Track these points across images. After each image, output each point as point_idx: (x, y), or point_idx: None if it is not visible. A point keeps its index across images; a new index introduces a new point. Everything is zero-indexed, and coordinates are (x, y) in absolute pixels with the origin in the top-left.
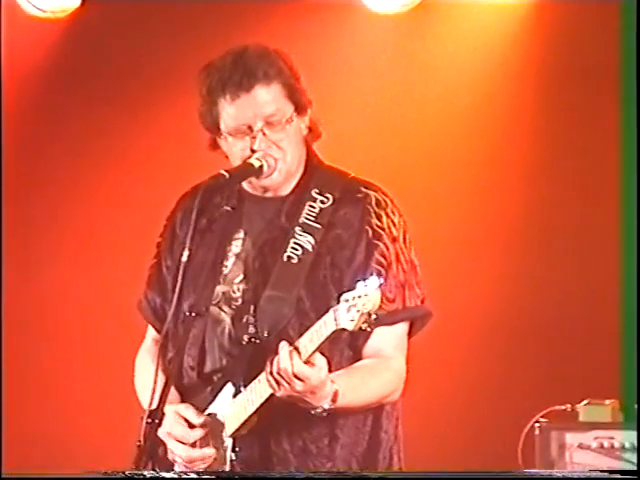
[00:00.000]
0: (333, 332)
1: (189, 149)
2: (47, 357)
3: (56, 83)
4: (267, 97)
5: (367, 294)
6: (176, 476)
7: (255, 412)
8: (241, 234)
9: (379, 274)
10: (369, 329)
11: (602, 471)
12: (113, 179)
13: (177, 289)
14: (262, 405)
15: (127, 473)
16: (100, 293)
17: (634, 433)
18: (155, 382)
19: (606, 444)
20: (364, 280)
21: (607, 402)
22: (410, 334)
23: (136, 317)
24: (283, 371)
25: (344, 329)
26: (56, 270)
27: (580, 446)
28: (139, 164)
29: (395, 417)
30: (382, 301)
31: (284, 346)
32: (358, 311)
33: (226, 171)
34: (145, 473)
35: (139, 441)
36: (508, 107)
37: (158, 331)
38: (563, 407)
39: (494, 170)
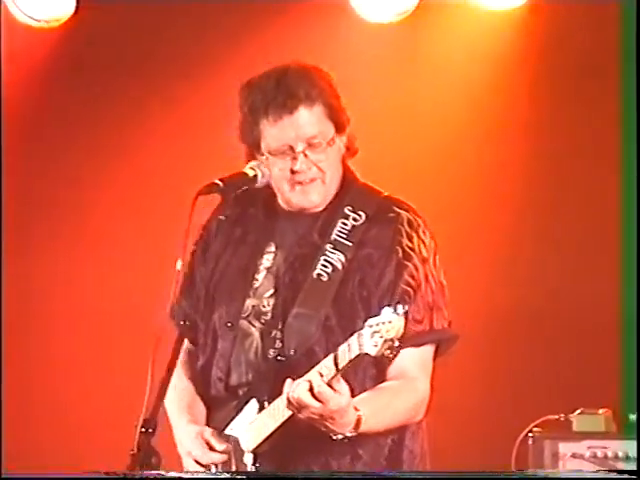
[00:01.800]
0: (356, 357)
1: (187, 148)
2: (47, 357)
3: (53, 87)
4: (309, 119)
5: (391, 321)
6: (181, 475)
7: (277, 429)
8: (272, 248)
9: (408, 295)
10: (391, 356)
11: (603, 471)
12: (110, 181)
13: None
14: (284, 423)
15: (127, 473)
16: (100, 292)
17: (627, 443)
18: (150, 391)
19: (599, 454)
20: (390, 305)
21: (600, 412)
22: (435, 356)
23: (138, 316)
24: (303, 391)
25: (367, 354)
26: (55, 267)
27: (573, 455)
28: (137, 165)
29: (421, 437)
30: (409, 322)
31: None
32: (381, 337)
33: (220, 180)
34: (146, 473)
35: (132, 450)
36: (503, 113)
37: (189, 339)
38: (556, 416)
39: (492, 173)
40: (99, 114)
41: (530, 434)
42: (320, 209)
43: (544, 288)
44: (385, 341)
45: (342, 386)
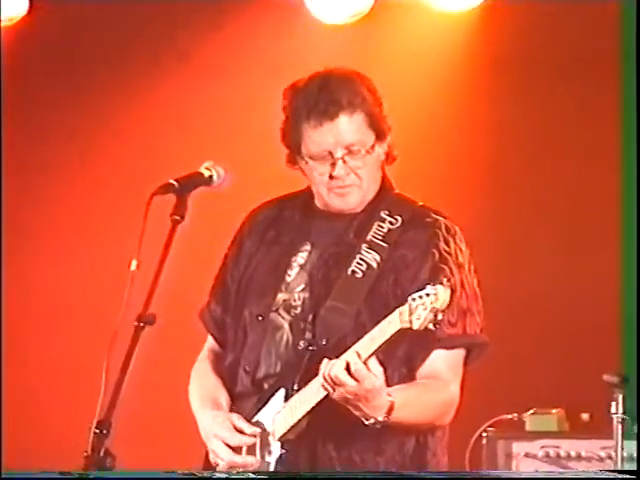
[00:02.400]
0: (398, 331)
1: (151, 148)
2: (47, 356)
3: (4, 87)
4: (350, 126)
5: (437, 292)
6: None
7: (304, 416)
8: (308, 246)
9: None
10: (434, 328)
11: (602, 471)
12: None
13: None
14: (312, 409)
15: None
16: (100, 291)
17: (580, 442)
18: (105, 392)
19: (552, 453)
20: (432, 284)
21: (553, 411)
22: (465, 363)
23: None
24: (340, 370)
25: (410, 328)
26: (55, 264)
27: (527, 455)
28: (99, 168)
29: (445, 442)
30: (443, 324)
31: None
32: (425, 309)
33: (175, 180)
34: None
35: (86, 451)
36: (465, 112)
37: (217, 341)
38: (509, 416)
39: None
40: (53, 115)
41: (484, 434)
42: (358, 211)
43: (499, 287)
44: (429, 312)
45: (377, 367)
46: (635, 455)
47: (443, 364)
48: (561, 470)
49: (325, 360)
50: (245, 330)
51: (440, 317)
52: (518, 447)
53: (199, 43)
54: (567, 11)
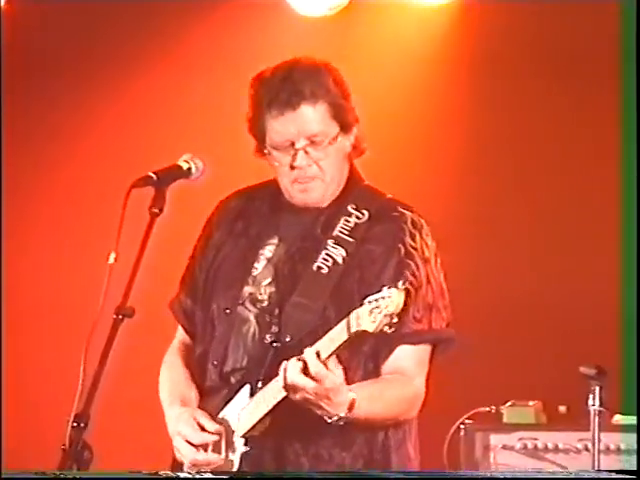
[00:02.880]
0: (354, 333)
1: (144, 132)
2: (47, 356)
3: None
4: (312, 117)
5: (391, 295)
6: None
7: (268, 414)
8: (275, 240)
9: (408, 292)
10: (390, 331)
11: (602, 471)
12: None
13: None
14: (275, 407)
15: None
16: (99, 289)
17: (557, 434)
18: (82, 385)
19: (530, 445)
20: (389, 286)
21: (530, 403)
22: (432, 358)
23: (141, 312)
24: (295, 375)
25: (365, 331)
26: (55, 262)
27: (504, 447)
28: (79, 159)
29: (414, 437)
30: (408, 320)
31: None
32: (380, 312)
33: (154, 173)
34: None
35: (64, 445)
36: (441, 108)
37: (187, 332)
38: (487, 408)
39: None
40: (37, 109)
41: (462, 426)
42: (324, 205)
43: (476, 289)
44: (385, 316)
45: (336, 366)
46: (613, 447)
47: (409, 359)
48: (538, 463)
49: (284, 363)
50: (213, 323)
51: (395, 320)
52: (496, 439)
53: (181, 35)
54: (567, 10)
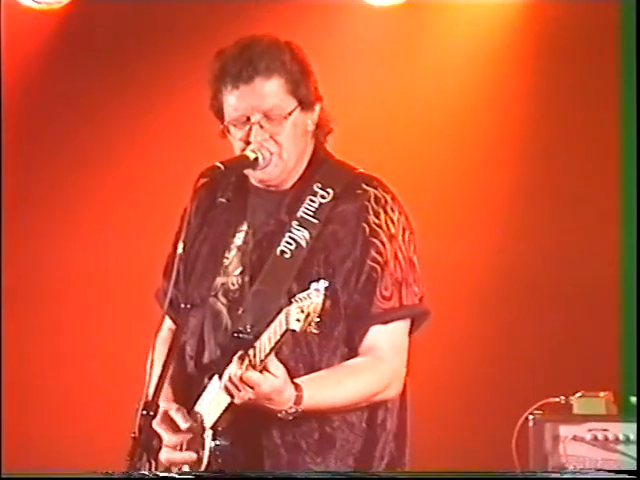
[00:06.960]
0: (285, 332)
1: (189, 138)
2: (47, 356)
3: (54, 70)
4: (266, 90)
5: (310, 296)
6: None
7: (229, 406)
8: (245, 226)
9: (375, 272)
10: (314, 331)
11: (601, 470)
12: (115, 166)
13: (173, 277)
14: (232, 403)
15: (128, 473)
16: (100, 289)
17: (628, 425)
18: (150, 375)
19: (600, 436)
20: (317, 281)
21: (601, 394)
22: (411, 332)
23: (139, 311)
24: (234, 377)
25: (293, 330)
26: (55, 260)
27: (574, 438)
28: (140, 150)
29: (398, 416)
30: (377, 299)
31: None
32: (302, 312)
33: (221, 163)
34: (146, 473)
35: (134, 433)
36: (503, 104)
37: (174, 321)
38: (557, 399)
39: (487, 153)
40: (101, 98)
41: (531, 417)
42: (288, 186)
43: (545, 269)
44: (307, 316)
45: (276, 367)
46: None
47: (382, 339)
48: (608, 454)
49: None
50: (184, 313)
51: (317, 321)
52: (565, 430)
53: (234, 32)
54: (566, 10)
